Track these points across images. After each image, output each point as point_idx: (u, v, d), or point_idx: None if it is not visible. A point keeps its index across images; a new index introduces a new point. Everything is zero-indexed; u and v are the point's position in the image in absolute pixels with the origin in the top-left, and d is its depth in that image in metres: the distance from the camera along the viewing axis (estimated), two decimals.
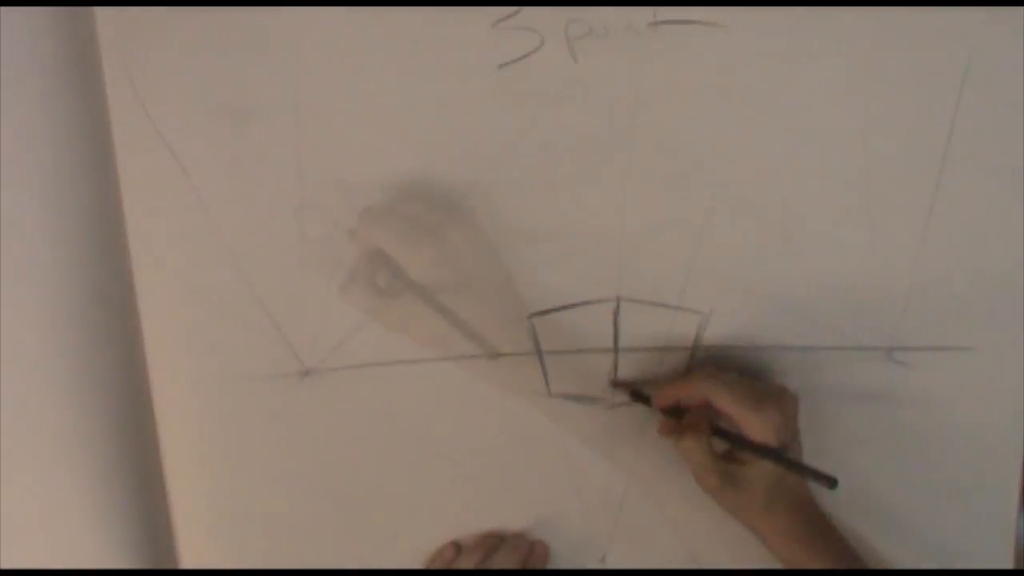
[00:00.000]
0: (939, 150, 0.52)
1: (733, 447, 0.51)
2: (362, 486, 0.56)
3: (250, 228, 0.52)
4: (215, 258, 0.52)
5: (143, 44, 0.50)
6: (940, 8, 0.49)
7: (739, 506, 0.52)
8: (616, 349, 0.55)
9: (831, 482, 0.48)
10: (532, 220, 0.53)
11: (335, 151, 0.51)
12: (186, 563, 0.56)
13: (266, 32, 0.50)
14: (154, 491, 0.55)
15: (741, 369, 0.54)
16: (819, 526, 0.52)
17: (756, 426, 0.50)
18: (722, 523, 0.57)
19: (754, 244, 0.53)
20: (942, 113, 0.51)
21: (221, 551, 0.56)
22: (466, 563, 0.56)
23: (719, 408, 0.51)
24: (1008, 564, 0.57)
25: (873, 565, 0.58)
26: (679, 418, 0.53)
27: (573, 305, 0.54)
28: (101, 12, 0.49)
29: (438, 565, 0.57)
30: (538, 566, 0.57)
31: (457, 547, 0.57)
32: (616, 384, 0.55)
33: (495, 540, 0.57)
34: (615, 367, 0.55)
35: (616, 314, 0.54)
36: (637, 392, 0.54)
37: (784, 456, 0.50)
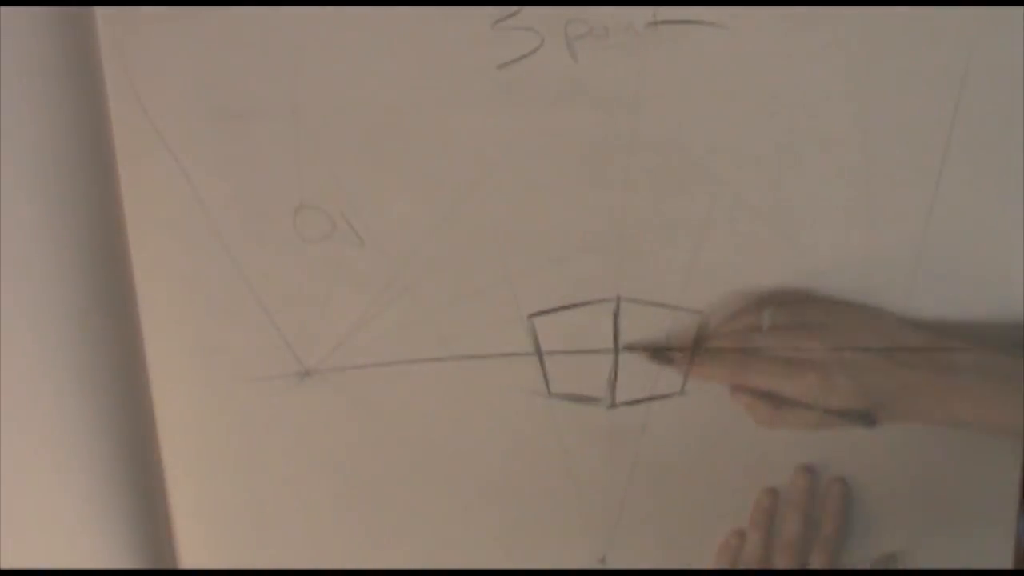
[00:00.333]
0: (939, 150, 0.52)
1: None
2: (362, 486, 0.56)
3: (250, 228, 0.52)
4: (215, 258, 0.52)
5: (143, 44, 0.50)
6: (940, 8, 0.49)
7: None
8: (616, 349, 0.55)
9: (869, 421, 0.48)
10: (532, 220, 0.53)
11: (335, 151, 0.51)
12: (186, 563, 0.56)
13: (266, 32, 0.50)
14: (154, 491, 0.55)
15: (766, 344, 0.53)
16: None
17: (802, 395, 0.49)
18: (722, 523, 0.58)
19: (754, 244, 0.53)
20: (942, 113, 0.51)
21: (221, 551, 0.56)
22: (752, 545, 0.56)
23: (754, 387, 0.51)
24: (1008, 564, 0.57)
25: (873, 564, 0.58)
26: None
27: (573, 305, 0.54)
28: (101, 12, 0.49)
29: (725, 558, 0.56)
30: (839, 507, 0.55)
31: (740, 534, 0.57)
32: (632, 348, 0.55)
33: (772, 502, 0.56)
34: (615, 367, 0.55)
35: (616, 314, 0.54)
36: (656, 351, 0.54)
37: (829, 407, 0.50)
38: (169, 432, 0.54)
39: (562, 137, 0.51)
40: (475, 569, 0.58)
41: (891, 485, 0.56)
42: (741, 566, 0.57)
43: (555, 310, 0.54)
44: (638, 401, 0.56)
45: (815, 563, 0.56)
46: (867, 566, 0.57)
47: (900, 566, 0.57)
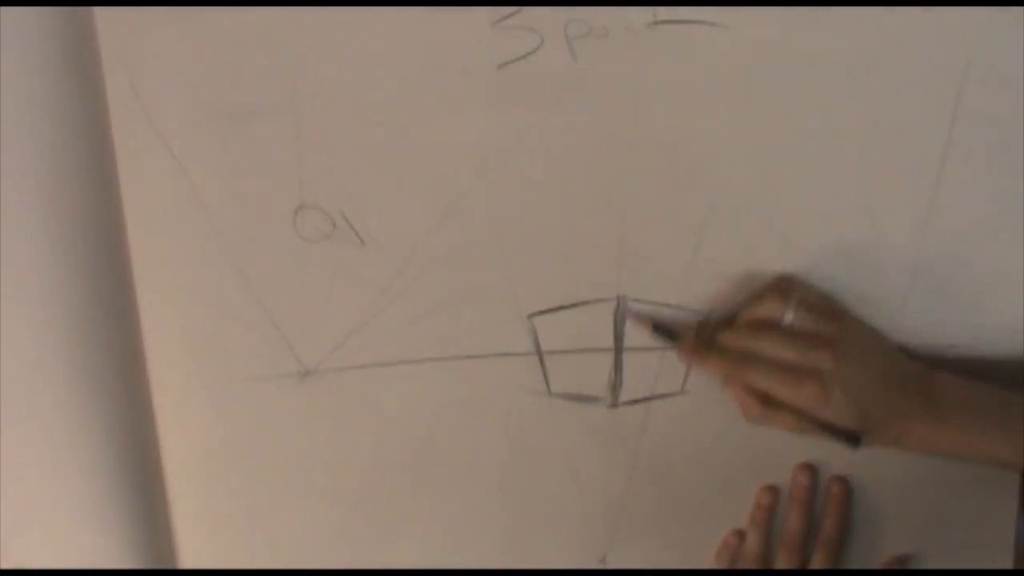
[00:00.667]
0: (939, 150, 0.52)
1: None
2: (362, 486, 0.56)
3: (250, 228, 0.52)
4: (215, 258, 0.52)
5: (143, 44, 0.50)
6: (940, 8, 0.49)
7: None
8: (616, 349, 0.55)
9: (854, 441, 0.49)
10: (532, 220, 0.53)
11: (335, 151, 0.51)
12: (186, 563, 0.56)
13: (266, 32, 0.50)
14: (154, 491, 0.55)
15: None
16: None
17: (799, 403, 0.50)
18: (722, 523, 0.58)
19: (754, 243, 0.53)
20: (942, 113, 0.51)
21: (221, 551, 0.56)
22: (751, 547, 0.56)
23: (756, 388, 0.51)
24: (1008, 564, 0.57)
25: (874, 564, 0.58)
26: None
27: (573, 305, 0.54)
28: (101, 12, 0.49)
29: (724, 557, 0.57)
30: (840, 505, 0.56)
31: (740, 534, 0.57)
32: (640, 319, 0.54)
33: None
34: (615, 367, 0.55)
35: (616, 314, 0.54)
36: (660, 326, 0.54)
37: (820, 420, 0.50)
38: (169, 432, 0.54)
39: (562, 137, 0.51)
40: (475, 569, 0.58)
41: (892, 485, 0.56)
42: (741, 565, 0.57)
43: (555, 310, 0.54)
44: (638, 401, 0.56)
45: (817, 561, 0.56)
46: (873, 567, 0.57)
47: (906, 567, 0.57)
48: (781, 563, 0.56)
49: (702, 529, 0.58)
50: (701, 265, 0.54)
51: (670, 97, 0.51)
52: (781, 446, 0.55)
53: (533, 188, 0.52)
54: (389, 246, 0.53)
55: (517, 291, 0.54)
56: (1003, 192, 0.52)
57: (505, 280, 0.54)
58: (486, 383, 0.55)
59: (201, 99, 0.50)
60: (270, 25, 0.50)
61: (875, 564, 0.58)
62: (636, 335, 0.55)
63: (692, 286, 0.54)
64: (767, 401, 0.51)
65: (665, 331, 0.54)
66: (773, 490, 0.57)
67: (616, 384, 0.56)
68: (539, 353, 0.55)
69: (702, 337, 0.53)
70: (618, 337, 0.55)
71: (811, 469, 0.56)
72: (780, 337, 0.50)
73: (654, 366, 0.55)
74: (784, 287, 0.52)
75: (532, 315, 0.54)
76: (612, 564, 0.58)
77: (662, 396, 0.56)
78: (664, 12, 0.49)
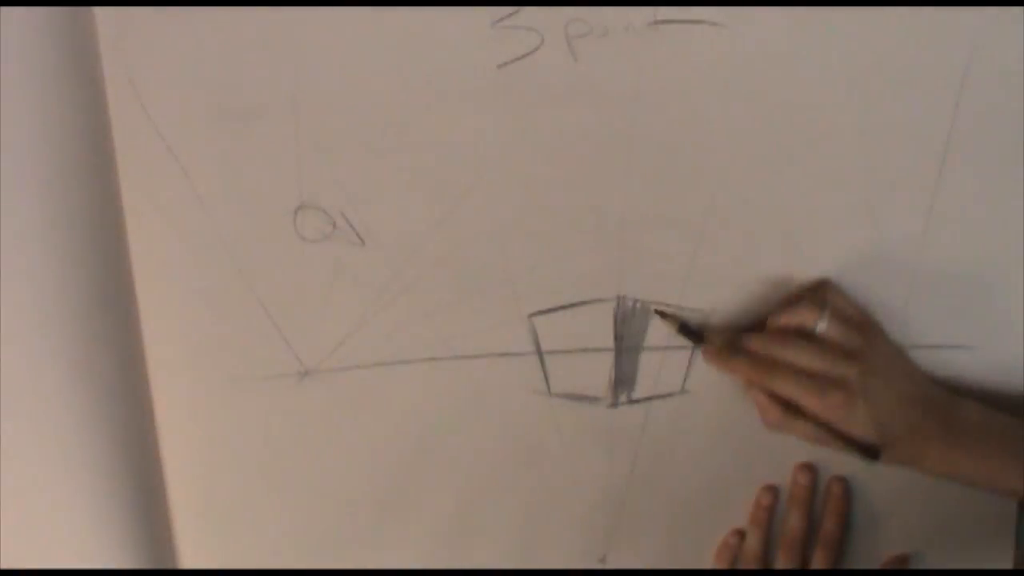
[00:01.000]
0: (939, 150, 0.52)
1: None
2: (362, 486, 0.56)
3: (250, 228, 0.52)
4: (215, 258, 0.52)
5: (143, 44, 0.50)
6: (940, 8, 0.49)
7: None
8: (616, 349, 0.55)
9: (872, 455, 0.49)
10: (532, 220, 0.53)
11: (335, 151, 0.51)
12: (186, 563, 0.56)
13: (266, 32, 0.50)
14: (154, 491, 0.55)
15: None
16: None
17: (822, 413, 0.50)
18: (722, 523, 0.58)
19: (754, 243, 0.53)
20: (942, 113, 0.51)
21: (221, 551, 0.56)
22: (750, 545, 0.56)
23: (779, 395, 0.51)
24: (1008, 564, 0.57)
25: (874, 564, 0.58)
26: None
27: (573, 305, 0.54)
28: (101, 12, 0.49)
29: (724, 557, 0.57)
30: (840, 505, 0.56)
31: (740, 534, 0.57)
32: (663, 314, 0.54)
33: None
34: (615, 367, 0.55)
35: (616, 314, 0.54)
36: (687, 327, 0.54)
37: (833, 428, 0.50)
38: (169, 432, 0.54)
39: (562, 137, 0.51)
40: (475, 569, 0.58)
41: (892, 485, 0.56)
42: (741, 565, 0.57)
43: (555, 309, 0.54)
44: (638, 401, 0.56)
45: (817, 561, 0.56)
46: (873, 567, 0.57)
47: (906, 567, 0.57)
48: (781, 563, 0.56)
49: (702, 529, 0.58)
50: (701, 265, 0.54)
51: (670, 97, 0.51)
52: (781, 446, 0.55)
53: (533, 188, 0.52)
54: (389, 246, 0.53)
55: (517, 291, 0.54)
56: (1003, 192, 0.53)
57: (505, 280, 0.54)
58: (486, 383, 0.55)
59: (201, 99, 0.50)
60: (270, 25, 0.50)
61: (875, 564, 0.58)
62: (634, 335, 0.55)
63: (692, 286, 0.54)
64: (788, 408, 0.51)
65: (692, 332, 0.54)
66: (773, 490, 0.57)
67: (616, 384, 0.56)
68: (539, 353, 0.55)
69: (729, 340, 0.53)
70: (618, 337, 0.55)
71: (811, 469, 0.56)
72: (809, 346, 0.50)
73: (654, 366, 0.55)
74: (819, 296, 0.52)
75: (532, 315, 0.54)
76: (612, 564, 0.58)
77: (662, 396, 0.56)
78: (664, 12, 0.49)
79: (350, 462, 0.56)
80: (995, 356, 0.55)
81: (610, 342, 0.55)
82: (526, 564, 0.58)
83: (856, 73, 0.50)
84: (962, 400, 0.53)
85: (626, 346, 0.55)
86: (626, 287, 0.54)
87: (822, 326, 0.51)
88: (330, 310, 0.54)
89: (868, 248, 0.53)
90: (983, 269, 0.54)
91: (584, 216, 0.53)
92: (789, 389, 0.50)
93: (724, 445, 0.57)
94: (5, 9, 0.48)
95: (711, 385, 0.55)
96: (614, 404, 0.56)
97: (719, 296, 0.54)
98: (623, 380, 0.55)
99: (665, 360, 0.55)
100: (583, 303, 0.54)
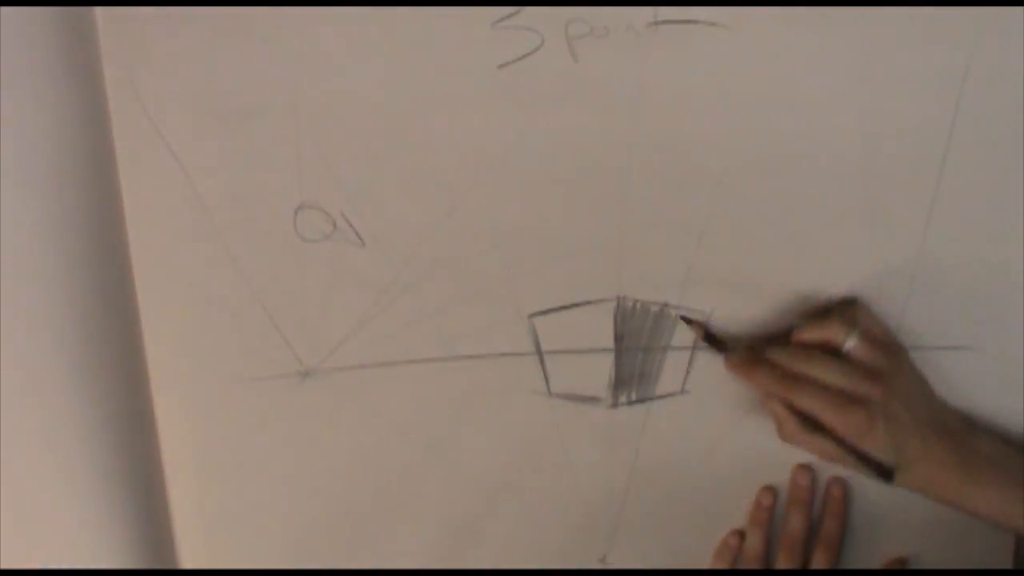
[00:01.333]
0: (939, 150, 0.52)
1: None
2: (362, 486, 0.56)
3: (250, 228, 0.52)
4: (215, 258, 0.52)
5: (143, 44, 0.50)
6: (940, 8, 0.49)
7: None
8: (616, 349, 0.55)
9: (887, 475, 0.50)
10: (532, 220, 0.53)
11: (335, 151, 0.51)
12: (186, 563, 0.56)
13: (266, 32, 0.50)
14: (154, 491, 0.55)
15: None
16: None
17: (841, 430, 0.50)
18: (722, 523, 0.58)
19: (754, 244, 0.53)
20: (942, 113, 0.51)
21: (221, 551, 0.56)
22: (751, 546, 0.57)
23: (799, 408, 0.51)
24: (1008, 564, 0.57)
25: (874, 564, 0.58)
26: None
27: (573, 305, 0.54)
28: (101, 12, 0.49)
29: (724, 557, 0.57)
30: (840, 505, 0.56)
31: (740, 534, 0.57)
32: (688, 321, 0.54)
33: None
34: (615, 367, 0.55)
35: (616, 314, 0.54)
36: (712, 335, 0.54)
37: (850, 445, 0.50)
38: (169, 432, 0.54)
39: (562, 137, 0.51)
40: (475, 569, 0.58)
41: (892, 487, 0.56)
42: (741, 565, 0.57)
43: (555, 310, 0.54)
44: (638, 401, 0.56)
45: (817, 562, 0.56)
46: (873, 567, 0.57)
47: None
48: (781, 563, 0.56)
49: (702, 529, 0.58)
50: (701, 265, 0.54)
51: (670, 97, 0.51)
52: (781, 446, 0.55)
53: (533, 188, 0.52)
54: (389, 246, 0.53)
55: (517, 291, 0.54)
56: (1003, 192, 0.53)
57: (505, 280, 0.54)
58: (486, 383, 0.55)
59: (201, 99, 0.50)
60: (270, 25, 0.50)
61: (875, 564, 0.58)
62: (634, 335, 0.55)
63: (692, 286, 0.54)
64: (806, 422, 0.51)
65: (716, 340, 0.54)
66: (773, 490, 0.57)
67: (616, 384, 0.56)
68: (539, 353, 0.55)
69: (752, 350, 0.53)
70: (618, 337, 0.55)
71: (810, 470, 0.56)
72: (834, 363, 0.50)
73: (654, 366, 0.55)
74: (849, 314, 0.52)
75: (532, 315, 0.54)
76: (612, 564, 0.58)
77: (662, 396, 0.56)
78: (664, 12, 0.49)
79: (350, 462, 0.56)
80: (995, 357, 0.55)
81: (610, 342, 0.55)
82: (526, 564, 0.58)
83: (856, 73, 0.50)
84: (978, 431, 0.53)
85: (626, 346, 0.55)
86: (626, 287, 0.54)
87: (851, 344, 0.51)
88: (330, 310, 0.54)
89: (868, 248, 0.53)
90: (983, 270, 0.54)
91: (584, 216, 0.53)
92: (810, 403, 0.50)
93: (724, 445, 0.57)
94: (5, 9, 0.48)
95: (711, 386, 0.55)
96: (614, 404, 0.56)
97: (719, 297, 0.54)
98: (623, 380, 0.55)
99: (665, 361, 0.55)
100: (583, 303, 0.54)
